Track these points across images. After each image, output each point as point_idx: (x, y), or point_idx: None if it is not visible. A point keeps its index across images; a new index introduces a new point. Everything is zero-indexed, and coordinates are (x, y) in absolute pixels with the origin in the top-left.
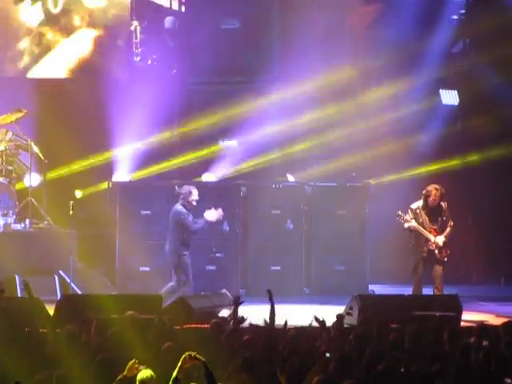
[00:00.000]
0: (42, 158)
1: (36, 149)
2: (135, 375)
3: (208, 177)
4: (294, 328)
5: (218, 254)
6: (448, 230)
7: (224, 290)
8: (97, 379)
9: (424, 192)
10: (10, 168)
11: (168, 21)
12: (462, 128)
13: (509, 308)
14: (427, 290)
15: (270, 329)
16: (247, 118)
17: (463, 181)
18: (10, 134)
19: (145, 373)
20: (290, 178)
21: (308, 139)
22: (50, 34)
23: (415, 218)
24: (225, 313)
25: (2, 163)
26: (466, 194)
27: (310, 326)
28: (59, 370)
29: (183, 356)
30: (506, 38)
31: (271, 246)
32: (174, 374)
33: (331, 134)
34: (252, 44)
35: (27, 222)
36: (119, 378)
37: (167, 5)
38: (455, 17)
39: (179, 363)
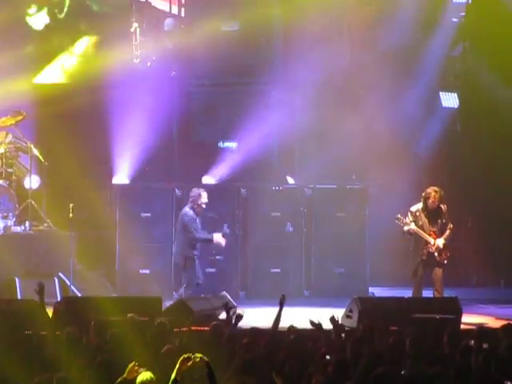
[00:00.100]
0: (42, 160)
1: (36, 151)
2: (135, 377)
3: (208, 179)
4: (294, 331)
5: (217, 257)
6: (448, 232)
7: (224, 293)
8: (97, 382)
9: (423, 194)
10: (9, 170)
11: (167, 23)
12: (461, 130)
13: (508, 310)
14: (427, 293)
15: (272, 331)
16: (247, 120)
17: (463, 183)
18: (9, 137)
19: (144, 375)
20: (290, 180)
21: (308, 141)
22: (55, 39)
23: (415, 221)
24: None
25: (2, 165)
26: (465, 196)
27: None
28: (59, 373)
29: (181, 358)
30: (506, 40)
31: (271, 248)
32: (173, 375)
33: (331, 136)
34: (251, 46)
35: (27, 224)
36: (119, 380)
37: (167, 9)
38: (455, 19)
39: (177, 365)
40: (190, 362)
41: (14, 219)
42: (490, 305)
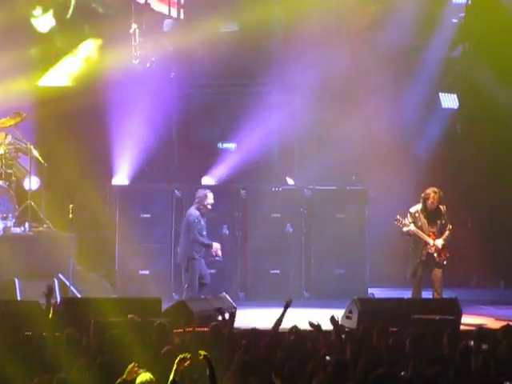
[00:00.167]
0: (42, 161)
1: (36, 152)
2: (134, 378)
3: (207, 180)
4: (294, 332)
5: (217, 258)
6: (447, 233)
7: (223, 294)
8: (97, 383)
9: (423, 195)
10: (9, 171)
11: (167, 24)
12: (461, 131)
13: (508, 311)
14: (427, 294)
15: (272, 332)
16: (246, 121)
17: (463, 184)
18: (9, 138)
19: (144, 376)
20: (290, 181)
21: (307, 142)
22: (59, 42)
23: (414, 222)
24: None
25: (2, 166)
26: (465, 197)
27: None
28: (59, 374)
29: (178, 358)
30: (506, 40)
31: (271, 249)
32: (171, 376)
33: (331, 137)
34: (251, 47)
35: (27, 225)
36: (119, 381)
37: (166, 10)
38: (455, 20)
39: (174, 366)
40: (188, 362)
41: (14, 220)
42: (490, 306)
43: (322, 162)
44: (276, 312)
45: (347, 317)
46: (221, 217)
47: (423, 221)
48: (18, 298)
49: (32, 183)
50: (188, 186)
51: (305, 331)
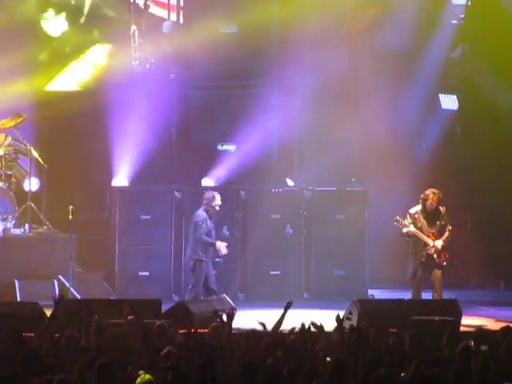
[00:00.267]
0: (42, 162)
1: (35, 154)
2: (134, 379)
3: (207, 181)
4: (294, 333)
5: (217, 259)
6: (447, 234)
7: (223, 295)
8: None
9: (422, 196)
10: (9, 173)
11: (166, 25)
12: (461, 133)
13: (508, 312)
14: (426, 295)
15: (272, 333)
16: (246, 122)
17: (462, 185)
18: (9, 139)
19: (144, 377)
20: (290, 182)
21: (307, 143)
22: (68, 47)
23: (414, 223)
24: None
25: (2, 168)
26: (465, 198)
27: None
28: (59, 375)
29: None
30: (505, 41)
31: (270, 251)
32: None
33: (330, 139)
34: (250, 48)
35: (27, 226)
36: None
37: (165, 13)
38: (454, 21)
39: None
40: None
41: (14, 221)
42: (490, 307)
43: (321, 163)
44: (276, 313)
45: (347, 318)
46: (221, 218)
47: (423, 222)
48: (18, 299)
49: (32, 184)
50: (188, 188)
51: (304, 332)
